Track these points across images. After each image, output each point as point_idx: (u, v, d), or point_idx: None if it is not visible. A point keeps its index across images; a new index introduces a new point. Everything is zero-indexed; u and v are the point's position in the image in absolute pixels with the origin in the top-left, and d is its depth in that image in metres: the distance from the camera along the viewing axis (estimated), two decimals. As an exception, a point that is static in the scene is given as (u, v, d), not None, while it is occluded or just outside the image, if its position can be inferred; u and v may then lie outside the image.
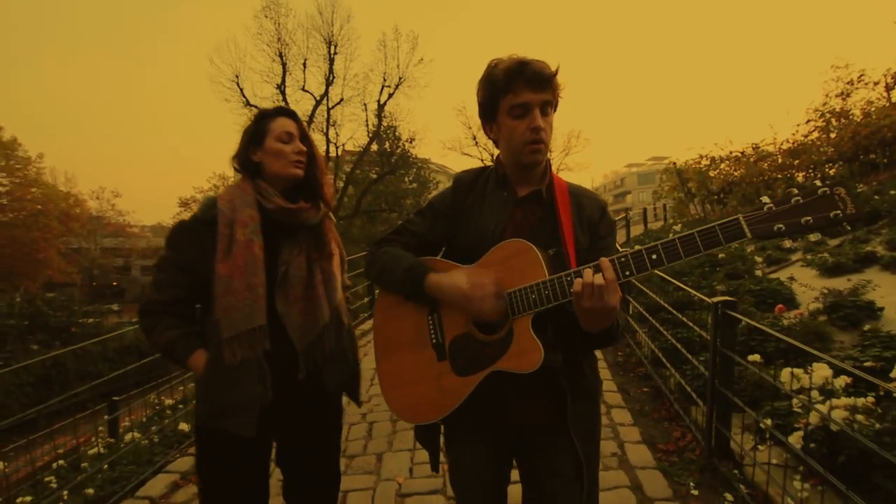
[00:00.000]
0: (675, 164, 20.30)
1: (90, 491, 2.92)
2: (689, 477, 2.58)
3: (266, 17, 21.39)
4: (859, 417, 2.14)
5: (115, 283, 38.97)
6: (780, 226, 0.94)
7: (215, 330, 1.30)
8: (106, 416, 5.41)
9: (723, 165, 19.18)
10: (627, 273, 1.04)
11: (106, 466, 3.10)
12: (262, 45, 21.82)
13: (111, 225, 36.99)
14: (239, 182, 1.43)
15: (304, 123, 1.47)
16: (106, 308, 21.68)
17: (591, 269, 1.03)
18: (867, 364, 2.90)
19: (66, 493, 2.89)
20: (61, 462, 3.98)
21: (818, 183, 0.92)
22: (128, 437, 3.98)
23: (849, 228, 0.93)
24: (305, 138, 1.44)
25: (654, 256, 1.03)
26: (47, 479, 3.46)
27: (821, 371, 2.51)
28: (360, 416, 3.63)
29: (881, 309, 3.95)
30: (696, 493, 2.45)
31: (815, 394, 2.41)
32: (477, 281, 1.13)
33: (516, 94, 1.13)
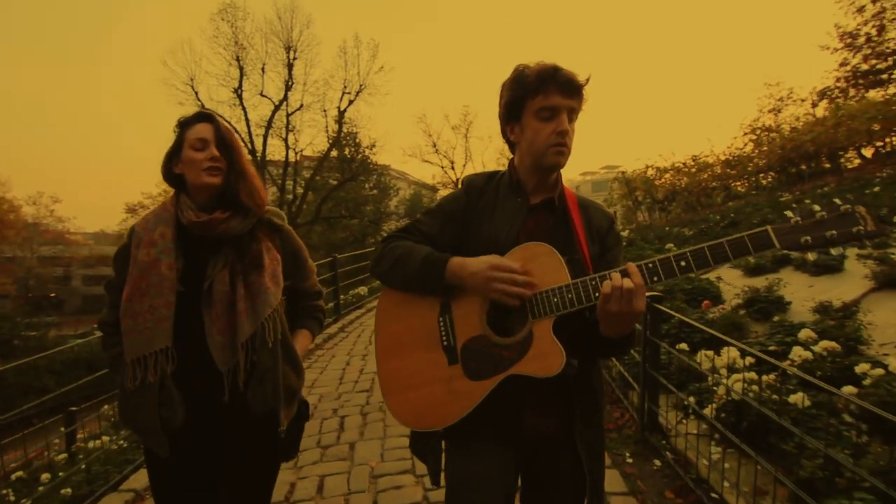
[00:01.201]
0: (623, 173, 21.41)
1: (67, 491, 3.00)
2: (626, 448, 2.98)
3: (223, 19, 21.16)
4: (753, 387, 2.59)
5: (53, 294, 36.72)
6: (807, 238, 0.97)
7: None
8: (62, 428, 5.36)
9: (667, 176, 20.44)
10: (655, 279, 1.04)
11: (83, 467, 3.18)
12: (219, 49, 21.57)
13: (49, 232, 34.92)
14: (168, 197, 1.40)
15: (226, 127, 1.40)
16: (50, 320, 20.51)
17: (619, 273, 1.04)
18: (771, 348, 3.42)
19: (29, 501, 2.87)
20: (20, 473, 3.97)
21: (838, 201, 0.99)
22: (98, 442, 4.03)
23: (867, 244, 0.98)
24: (224, 144, 1.36)
25: (682, 263, 1.03)
26: (4, 491, 3.45)
27: (731, 354, 2.97)
28: (332, 411, 3.85)
29: (789, 303, 4.58)
30: (630, 461, 2.84)
31: (724, 372, 2.86)
32: (504, 258, 1.12)
33: (546, 96, 1.13)
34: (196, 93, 21.15)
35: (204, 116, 1.38)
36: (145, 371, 1.25)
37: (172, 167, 1.37)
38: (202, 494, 1.40)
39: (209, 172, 1.32)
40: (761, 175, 19.36)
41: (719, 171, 19.77)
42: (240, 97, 21.51)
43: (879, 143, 16.77)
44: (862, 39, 23.05)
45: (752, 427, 2.61)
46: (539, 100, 1.14)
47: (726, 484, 2.42)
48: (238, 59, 21.38)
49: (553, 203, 1.24)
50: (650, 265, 1.05)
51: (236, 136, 1.43)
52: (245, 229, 1.37)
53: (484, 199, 1.27)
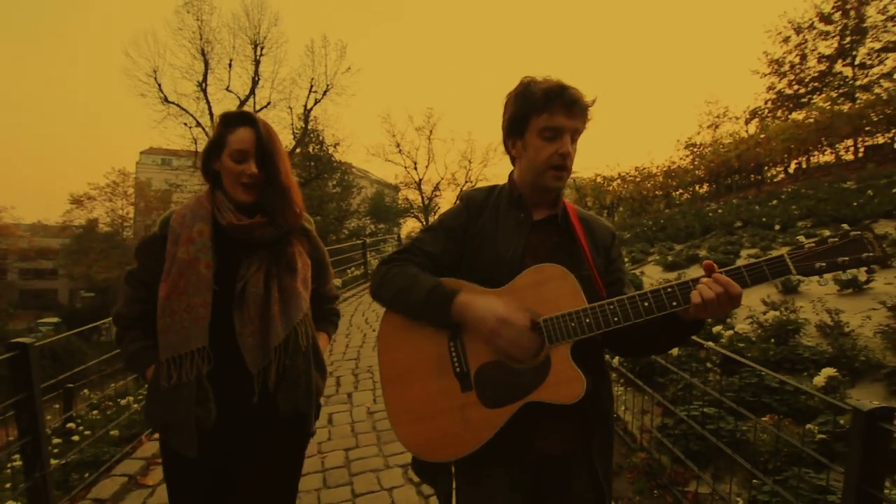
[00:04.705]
0: (574, 180, 23.04)
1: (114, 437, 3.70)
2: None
3: (188, 12, 21.04)
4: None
5: (-14, 288, 34.70)
6: (822, 264, 1.00)
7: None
8: (56, 406, 5.92)
9: (614, 184, 22.24)
10: (674, 304, 1.03)
11: (117, 430, 3.86)
12: (184, 42, 21.52)
13: (-19, 222, 32.95)
14: (203, 192, 1.36)
15: (268, 134, 1.32)
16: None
17: (705, 286, 1.00)
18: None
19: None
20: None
21: (846, 227, 1.01)
22: (123, 401, 4.69)
23: (875, 268, 1.05)
24: (264, 155, 1.30)
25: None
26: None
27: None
28: (328, 373, 4.69)
29: (690, 291, 5.82)
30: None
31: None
32: (515, 308, 1.08)
33: (552, 115, 1.11)
34: (159, 85, 20.94)
35: (247, 120, 1.33)
36: (180, 370, 1.23)
37: (212, 163, 1.33)
38: (220, 495, 1.37)
39: (244, 189, 1.31)
40: (697, 185, 21.48)
41: (661, 181, 21.74)
42: (204, 91, 21.45)
43: (795, 161, 19.06)
44: (787, 66, 25.85)
45: (642, 370, 3.71)
46: (544, 118, 1.12)
47: (623, 407, 3.49)
48: (203, 53, 21.34)
49: (557, 219, 1.23)
50: (668, 290, 1.05)
51: (279, 143, 1.36)
52: (279, 235, 1.37)
53: (485, 216, 1.25)
